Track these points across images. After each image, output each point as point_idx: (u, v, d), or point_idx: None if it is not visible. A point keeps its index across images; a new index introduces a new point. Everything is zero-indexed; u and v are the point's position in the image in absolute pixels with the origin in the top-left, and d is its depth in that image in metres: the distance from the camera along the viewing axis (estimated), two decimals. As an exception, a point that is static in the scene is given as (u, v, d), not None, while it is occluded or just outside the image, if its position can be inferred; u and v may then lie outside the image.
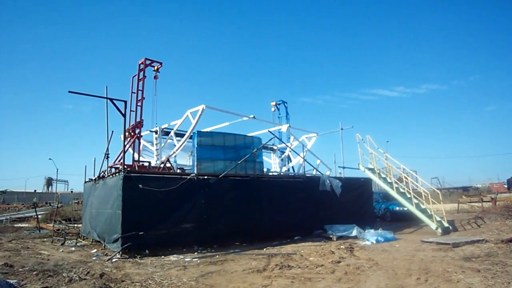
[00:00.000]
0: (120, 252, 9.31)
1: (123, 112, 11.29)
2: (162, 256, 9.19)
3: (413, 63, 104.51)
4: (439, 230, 12.65)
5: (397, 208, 17.60)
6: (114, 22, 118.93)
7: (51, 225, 17.30)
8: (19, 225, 20.54)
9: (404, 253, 9.13)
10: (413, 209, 13.97)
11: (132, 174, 10.19)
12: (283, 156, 20.94)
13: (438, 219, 13.28)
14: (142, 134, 15.37)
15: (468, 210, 20.65)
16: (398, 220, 17.24)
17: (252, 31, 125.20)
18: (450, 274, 6.54)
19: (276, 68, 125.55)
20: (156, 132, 16.21)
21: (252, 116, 16.40)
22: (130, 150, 14.57)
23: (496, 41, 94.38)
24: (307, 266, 7.63)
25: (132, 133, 14.43)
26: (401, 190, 15.02)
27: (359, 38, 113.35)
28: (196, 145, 12.79)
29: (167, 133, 16.30)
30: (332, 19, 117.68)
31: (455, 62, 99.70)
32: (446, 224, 13.21)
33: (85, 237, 13.41)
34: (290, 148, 18.57)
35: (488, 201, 20.83)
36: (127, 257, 9.13)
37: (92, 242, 12.32)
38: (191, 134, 14.15)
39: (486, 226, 13.46)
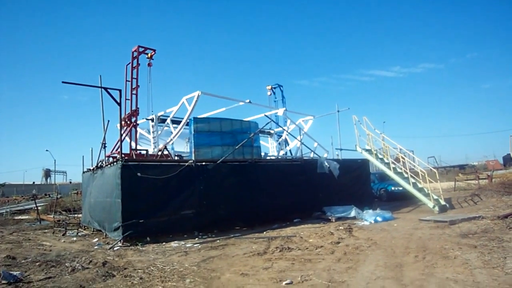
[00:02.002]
0: (122, 240, 9.38)
1: (118, 101, 11.21)
2: (163, 243, 9.28)
3: (409, 42, 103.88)
4: (436, 208, 12.79)
5: (393, 188, 17.88)
6: (107, 10, 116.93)
7: (52, 216, 17.37)
8: (20, 217, 20.60)
9: (402, 232, 9.25)
10: (410, 188, 14.09)
11: (130, 163, 10.18)
12: (280, 140, 20.99)
13: (435, 197, 13.42)
14: (138, 122, 15.33)
15: (465, 187, 20.88)
16: (394, 200, 17.45)
17: (246, 14, 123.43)
18: (447, 251, 6.65)
19: (271, 51, 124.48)
20: (152, 120, 16.16)
21: (248, 100, 16.35)
22: (127, 138, 14.54)
23: (492, 18, 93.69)
24: (307, 248, 7.72)
25: (128, 122, 14.38)
26: (398, 170, 15.10)
27: (355, 19, 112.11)
28: (193, 132, 12.76)
29: (164, 121, 16.26)
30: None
31: (452, 40, 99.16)
32: (443, 202, 13.35)
33: (86, 227, 13.49)
34: (287, 131, 18.58)
35: (484, 179, 21.06)
36: (129, 245, 9.20)
37: (93, 231, 12.39)
38: (188, 120, 14.10)
39: (482, 203, 13.63)
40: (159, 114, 16.32)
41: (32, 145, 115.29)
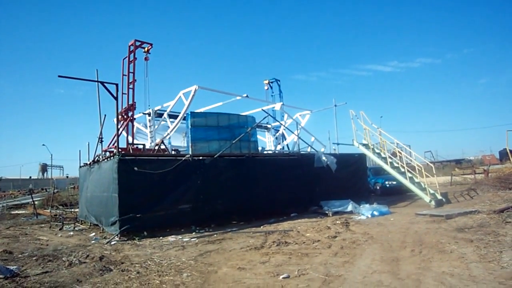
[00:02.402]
0: (119, 235, 9.37)
1: (114, 95, 11.14)
2: (161, 237, 9.28)
3: (406, 37, 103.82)
4: (433, 202, 12.85)
5: (387, 183, 18.07)
6: (105, 4, 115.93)
7: (48, 210, 17.35)
8: (16, 212, 20.54)
9: (398, 226, 9.29)
10: (407, 183, 14.13)
11: (127, 157, 10.15)
12: (277, 134, 20.95)
13: (432, 192, 13.46)
14: (135, 116, 15.23)
15: (461, 182, 20.96)
16: (388, 194, 17.57)
17: (244, 9, 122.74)
18: (444, 245, 6.69)
19: (268, 46, 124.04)
20: (149, 114, 16.09)
21: (245, 95, 16.30)
22: (124, 133, 14.47)
23: (489, 14, 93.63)
24: (304, 242, 7.74)
25: (125, 116, 14.30)
26: (395, 164, 15.14)
27: (352, 13, 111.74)
28: (190, 126, 12.71)
29: (160, 115, 16.19)
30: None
31: (449, 35, 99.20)
32: (439, 197, 13.41)
33: (82, 221, 13.47)
34: (284, 126, 18.54)
35: (481, 173, 21.13)
36: (126, 239, 9.20)
37: (90, 226, 12.37)
38: (185, 115, 14.05)
39: (478, 198, 13.69)
40: (156, 108, 16.25)
41: (29, 140, 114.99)
